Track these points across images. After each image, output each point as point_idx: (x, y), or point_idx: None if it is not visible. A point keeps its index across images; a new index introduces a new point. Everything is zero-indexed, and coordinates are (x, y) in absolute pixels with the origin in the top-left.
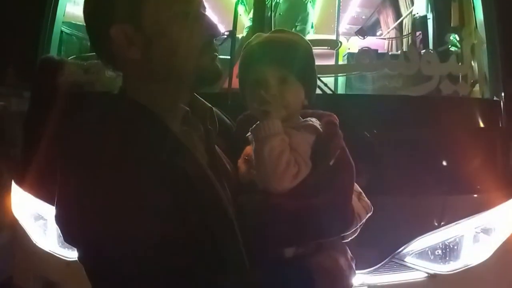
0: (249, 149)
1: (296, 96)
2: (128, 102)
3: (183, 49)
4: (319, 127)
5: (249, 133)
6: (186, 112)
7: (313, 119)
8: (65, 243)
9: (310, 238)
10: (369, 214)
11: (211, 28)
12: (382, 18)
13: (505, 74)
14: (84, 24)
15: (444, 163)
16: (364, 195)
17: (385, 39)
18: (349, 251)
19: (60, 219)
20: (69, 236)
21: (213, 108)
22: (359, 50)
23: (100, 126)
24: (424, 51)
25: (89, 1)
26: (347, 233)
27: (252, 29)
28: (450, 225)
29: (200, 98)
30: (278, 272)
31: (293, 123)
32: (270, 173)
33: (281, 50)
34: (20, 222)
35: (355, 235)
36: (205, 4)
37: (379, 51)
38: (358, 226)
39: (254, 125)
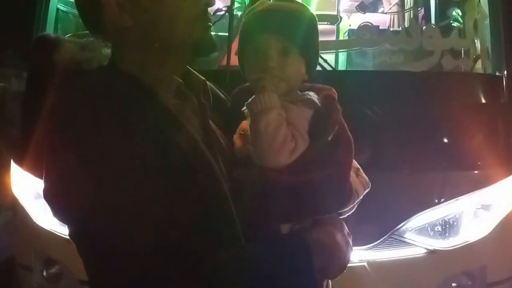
0: (244, 124)
1: (297, 70)
2: (118, 74)
3: (176, 16)
4: (317, 101)
5: (245, 107)
6: (179, 84)
7: (311, 93)
8: None
9: (307, 214)
10: (367, 190)
11: None
12: None
13: (508, 50)
14: None
15: (445, 139)
16: (362, 171)
17: (386, 13)
18: (346, 227)
19: (48, 194)
20: (58, 211)
21: (207, 81)
22: (359, 25)
23: (90, 99)
24: (425, 26)
25: None
26: (345, 209)
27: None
28: (450, 201)
29: (194, 71)
30: (273, 247)
31: (291, 97)
32: (266, 148)
33: (284, 20)
34: (20, 202)
35: (353, 211)
36: None
37: (380, 28)
38: (355, 203)
39: (250, 99)
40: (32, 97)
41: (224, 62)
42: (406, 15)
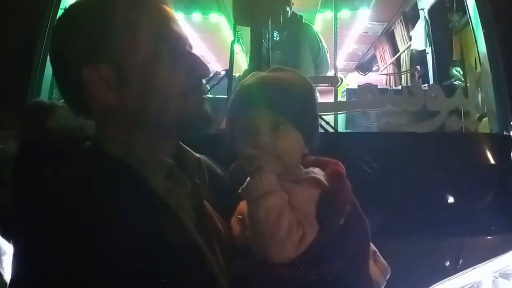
0: (242, 206)
1: (293, 145)
2: (101, 157)
3: (166, 91)
4: (323, 179)
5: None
6: (170, 166)
7: (316, 170)
8: None
9: None
10: (387, 278)
11: (200, 68)
12: (379, 54)
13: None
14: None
15: (456, 203)
16: (380, 255)
17: (386, 74)
18: None
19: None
20: None
21: (202, 158)
22: (360, 86)
23: (69, 185)
24: (427, 85)
25: (58, 39)
26: None
27: (249, 68)
28: (466, 270)
29: (187, 148)
30: None
31: (292, 175)
32: (269, 241)
33: (275, 92)
34: None
35: None
36: (202, 43)
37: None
38: None
39: (245, 183)
40: (22, 165)
41: (223, 125)
42: (403, 75)
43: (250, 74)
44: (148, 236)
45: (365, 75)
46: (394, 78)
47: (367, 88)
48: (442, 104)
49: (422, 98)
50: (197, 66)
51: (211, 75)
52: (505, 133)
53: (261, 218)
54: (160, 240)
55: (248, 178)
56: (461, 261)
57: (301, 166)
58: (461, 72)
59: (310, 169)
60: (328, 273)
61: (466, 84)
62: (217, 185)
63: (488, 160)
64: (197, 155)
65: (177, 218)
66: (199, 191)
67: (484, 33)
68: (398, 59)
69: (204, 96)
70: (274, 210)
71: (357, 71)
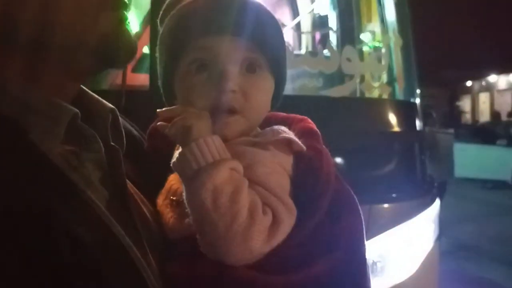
0: (174, 181)
1: (267, 95)
2: None
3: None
4: (298, 141)
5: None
6: (73, 116)
7: (283, 128)
8: None
9: None
10: None
11: None
12: (277, 17)
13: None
14: None
15: (362, 169)
16: None
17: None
18: None
19: None
20: None
21: (116, 109)
22: None
23: None
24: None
25: None
26: None
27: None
28: (374, 238)
29: (94, 94)
30: None
31: (250, 137)
32: (223, 234)
33: (247, 15)
34: None
35: None
36: None
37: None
38: None
39: (177, 154)
40: None
41: (118, 80)
42: (304, 38)
43: None
44: (40, 229)
45: None
46: (293, 42)
47: None
48: (356, 68)
49: (337, 60)
50: None
51: None
52: (411, 100)
53: (207, 202)
54: (58, 236)
55: (179, 146)
56: (369, 228)
57: (258, 127)
58: (370, 37)
59: (275, 127)
60: (312, 277)
61: (379, 49)
62: (135, 151)
63: (395, 126)
64: (109, 104)
65: (85, 201)
66: (117, 158)
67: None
68: (298, 24)
69: (125, 11)
70: (225, 189)
71: None
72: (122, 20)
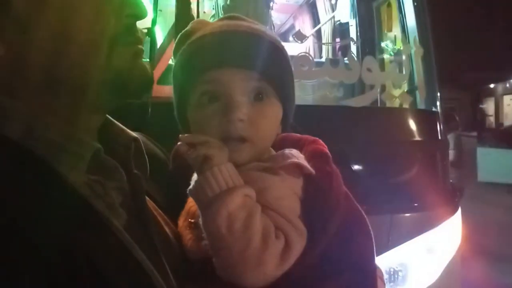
0: (193, 205)
1: (274, 121)
2: None
3: (82, 36)
4: (307, 164)
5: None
6: (95, 151)
7: (294, 152)
8: None
9: None
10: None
11: (133, 5)
12: (298, 24)
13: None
14: None
15: (383, 179)
16: (380, 268)
17: (325, 44)
18: None
19: None
20: None
21: (140, 137)
22: (297, 55)
23: None
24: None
25: None
26: None
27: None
28: (396, 247)
29: (118, 124)
30: None
31: (261, 162)
32: (237, 259)
33: (253, 47)
34: None
35: None
36: None
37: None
38: None
39: (193, 182)
40: None
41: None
42: (324, 46)
43: (195, 23)
44: (64, 256)
45: (301, 43)
46: (314, 50)
47: (303, 58)
48: (377, 78)
49: (358, 71)
50: (130, 3)
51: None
52: (433, 108)
53: (222, 228)
54: (82, 260)
55: (195, 174)
56: (391, 237)
57: (270, 148)
58: (391, 46)
59: (286, 151)
60: None
61: (400, 58)
62: (160, 176)
63: (416, 135)
64: (133, 133)
65: (108, 226)
66: (139, 185)
67: (415, 7)
68: (319, 31)
69: (139, 45)
70: (239, 215)
71: (294, 38)
72: (136, 55)
